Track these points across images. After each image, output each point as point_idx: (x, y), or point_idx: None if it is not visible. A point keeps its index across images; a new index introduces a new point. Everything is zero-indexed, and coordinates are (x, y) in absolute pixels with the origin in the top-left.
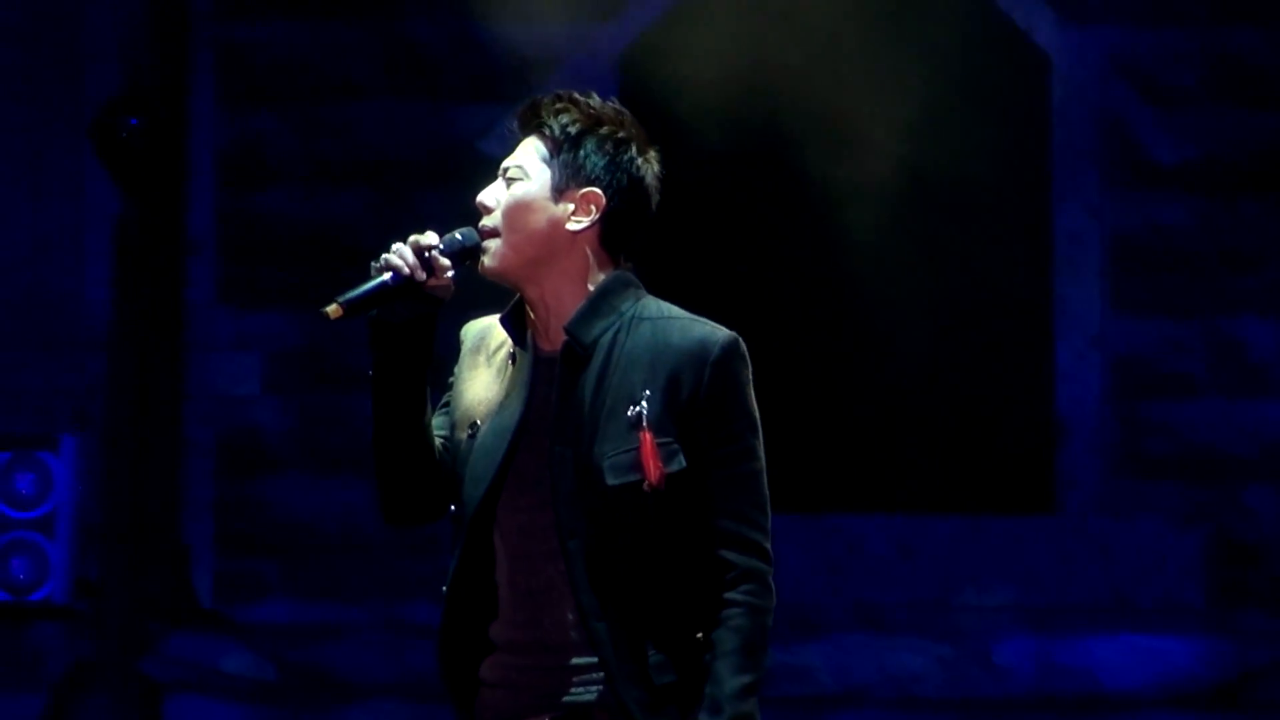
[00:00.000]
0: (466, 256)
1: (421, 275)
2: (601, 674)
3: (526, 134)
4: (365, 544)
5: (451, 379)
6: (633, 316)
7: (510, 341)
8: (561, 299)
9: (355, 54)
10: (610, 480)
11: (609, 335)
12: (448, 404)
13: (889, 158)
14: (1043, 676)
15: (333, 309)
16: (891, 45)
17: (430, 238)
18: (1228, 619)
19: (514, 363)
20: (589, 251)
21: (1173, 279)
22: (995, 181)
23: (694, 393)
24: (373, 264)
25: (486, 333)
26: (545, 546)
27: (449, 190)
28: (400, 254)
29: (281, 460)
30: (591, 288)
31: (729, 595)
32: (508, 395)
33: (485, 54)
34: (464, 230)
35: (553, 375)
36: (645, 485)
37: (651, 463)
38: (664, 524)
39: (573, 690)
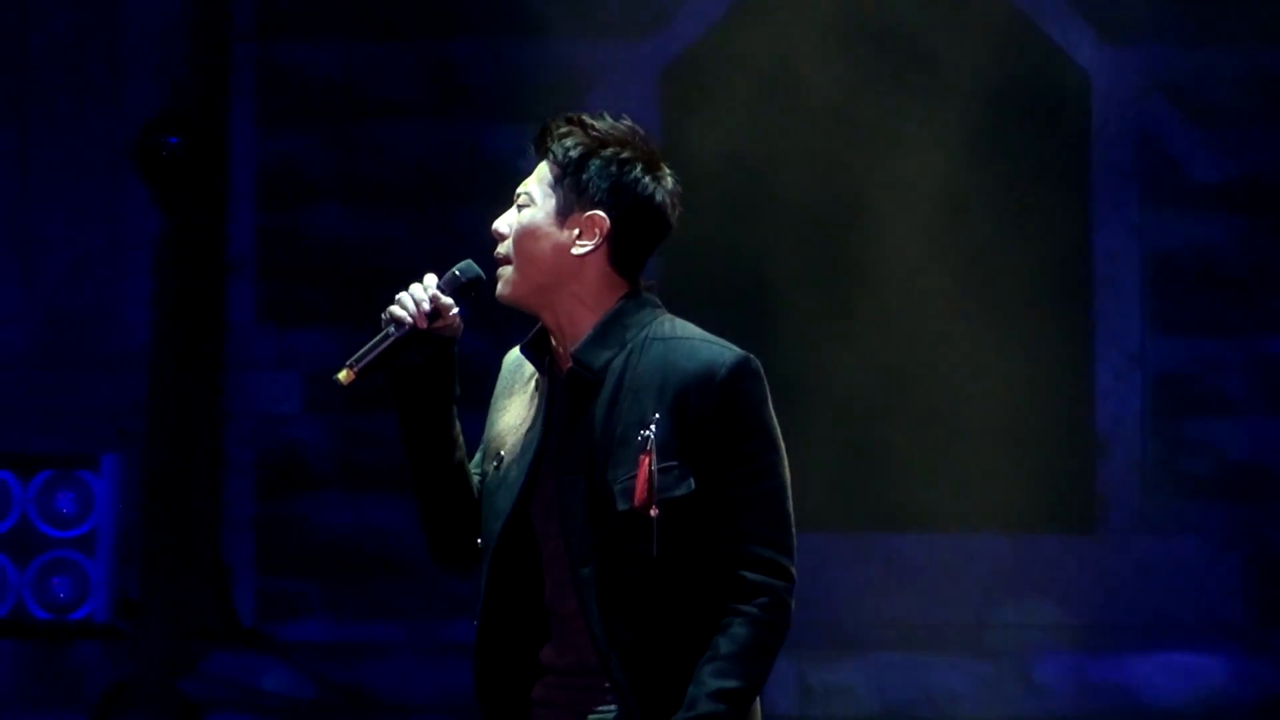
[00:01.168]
0: (469, 290)
1: (424, 323)
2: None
3: (539, 158)
4: (405, 563)
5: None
6: (646, 338)
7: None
8: (576, 323)
9: (395, 73)
10: (620, 506)
11: (621, 358)
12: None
13: (930, 175)
14: (1082, 695)
15: (344, 374)
16: (933, 63)
17: (429, 280)
18: (1268, 637)
19: (538, 390)
20: (599, 274)
21: (1212, 297)
22: (1035, 200)
23: (702, 415)
24: (382, 317)
25: (522, 361)
26: (565, 574)
27: (487, 209)
28: (402, 304)
29: (322, 479)
30: (605, 311)
31: (736, 606)
32: (531, 424)
33: (524, 73)
34: (462, 265)
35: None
36: (636, 508)
37: (641, 487)
38: (676, 549)
39: (598, 710)
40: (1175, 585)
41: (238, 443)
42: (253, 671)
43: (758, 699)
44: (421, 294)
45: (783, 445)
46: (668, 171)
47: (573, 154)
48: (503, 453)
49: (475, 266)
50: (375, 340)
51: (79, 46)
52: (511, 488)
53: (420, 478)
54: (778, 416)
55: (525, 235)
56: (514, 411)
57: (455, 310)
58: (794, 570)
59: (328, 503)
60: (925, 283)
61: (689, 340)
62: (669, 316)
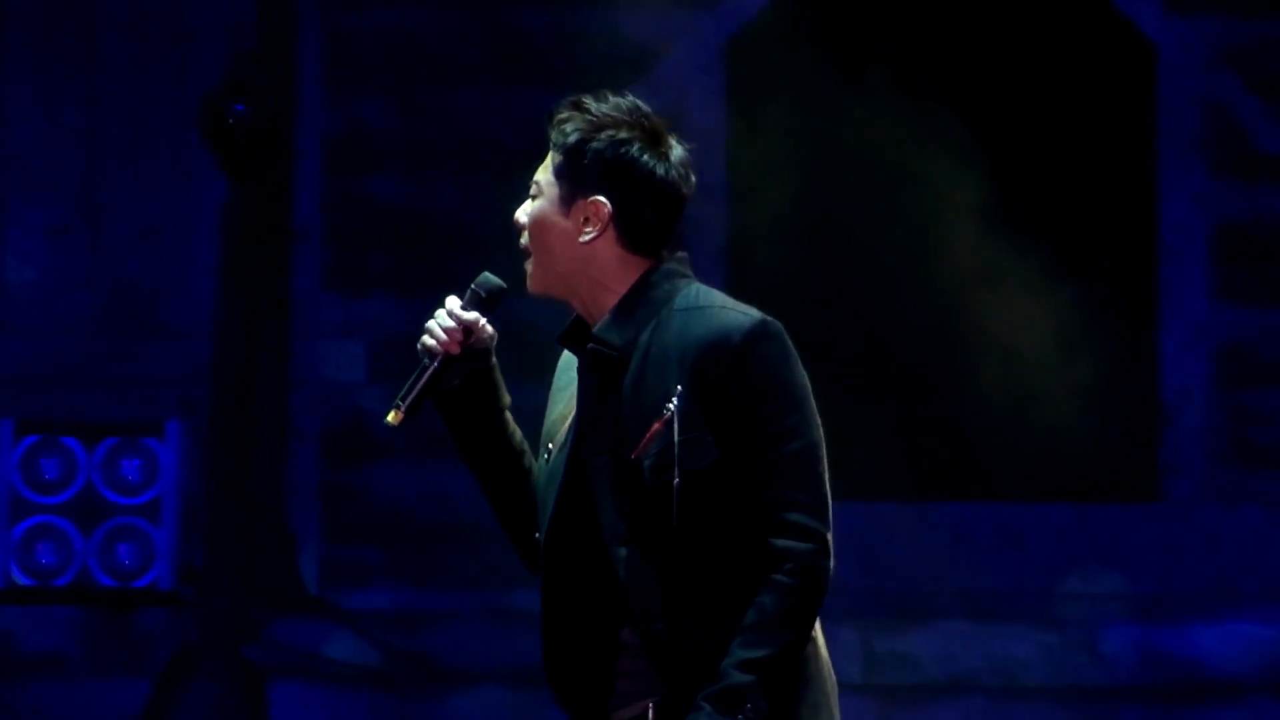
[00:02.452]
0: (493, 302)
1: (457, 348)
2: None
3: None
4: (470, 530)
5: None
6: (670, 310)
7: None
8: (602, 306)
9: (461, 40)
10: (648, 481)
11: (646, 334)
12: None
13: (993, 145)
14: (1148, 664)
15: (392, 416)
16: (998, 33)
17: (451, 303)
18: None
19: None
20: (614, 257)
21: (1278, 267)
22: (1101, 171)
23: (721, 383)
24: (418, 348)
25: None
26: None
27: None
28: (431, 333)
29: (387, 447)
30: (625, 289)
31: (766, 574)
32: (571, 413)
33: (591, 41)
34: (479, 280)
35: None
36: (632, 460)
37: (644, 444)
38: (704, 521)
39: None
40: (1240, 555)
41: (303, 410)
42: (317, 639)
43: (824, 665)
44: (447, 319)
45: (810, 405)
46: (673, 143)
47: (570, 140)
48: (551, 445)
49: (493, 278)
50: (415, 375)
51: (145, 15)
52: (554, 478)
53: (490, 491)
54: (840, 383)
55: (537, 227)
56: (565, 403)
57: (484, 323)
58: (825, 532)
59: (393, 470)
60: (991, 251)
61: (708, 309)
62: (695, 286)
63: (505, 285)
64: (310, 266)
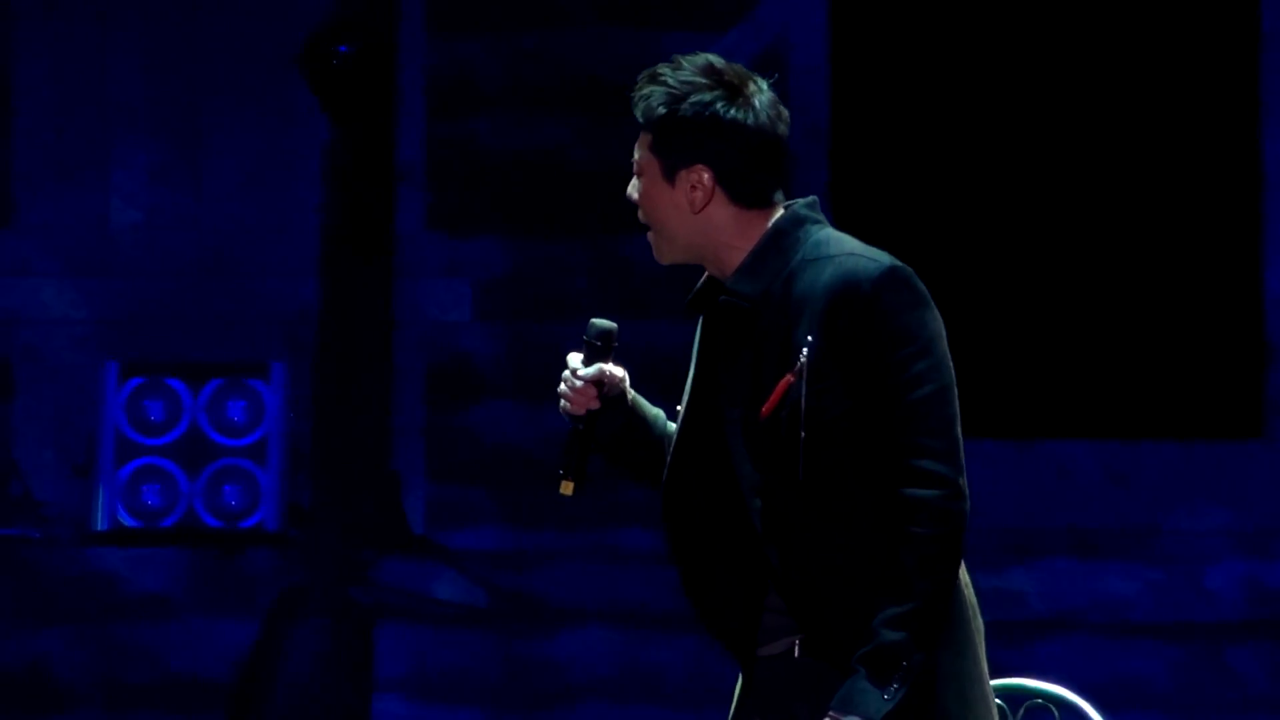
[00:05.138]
0: (609, 345)
1: (596, 403)
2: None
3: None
4: None
5: None
6: (801, 260)
7: None
8: (733, 265)
9: None
10: (784, 432)
11: (779, 285)
12: None
13: (1098, 80)
14: (1254, 600)
15: (566, 487)
16: None
17: (573, 361)
18: None
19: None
20: (731, 218)
21: None
22: (1204, 106)
23: (850, 331)
24: (562, 413)
25: None
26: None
27: None
28: (565, 398)
29: (492, 387)
30: (753, 243)
31: (901, 527)
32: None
33: None
34: (589, 331)
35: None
36: (762, 418)
37: (773, 400)
38: (835, 472)
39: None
40: None
41: (407, 351)
42: (423, 579)
43: (968, 604)
44: (574, 380)
45: (941, 350)
46: (757, 88)
47: (656, 114)
48: (679, 407)
49: (600, 323)
50: (568, 442)
51: None
52: (681, 430)
53: (655, 484)
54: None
55: (646, 204)
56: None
57: (610, 369)
58: (957, 477)
59: (497, 410)
60: (1095, 187)
61: (836, 257)
62: (825, 232)
63: (615, 325)
64: (413, 207)
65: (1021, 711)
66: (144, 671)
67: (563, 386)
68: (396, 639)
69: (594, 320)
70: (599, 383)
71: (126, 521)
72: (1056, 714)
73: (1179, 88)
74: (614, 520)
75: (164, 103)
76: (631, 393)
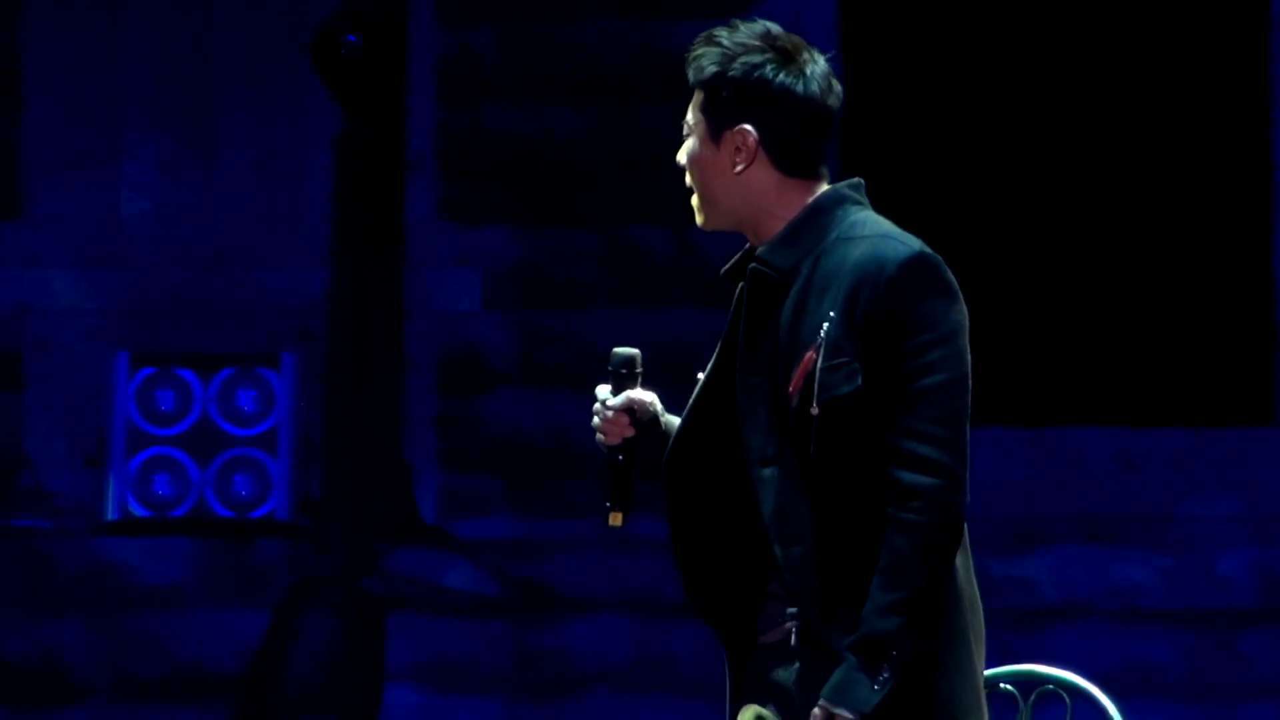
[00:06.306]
0: (634, 371)
1: (630, 430)
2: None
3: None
4: (586, 458)
5: None
6: (835, 238)
7: None
8: (770, 233)
9: None
10: (796, 405)
11: (810, 259)
12: None
13: (1105, 72)
14: (1265, 587)
15: (615, 518)
16: None
17: (601, 393)
18: None
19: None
20: (773, 184)
21: None
22: (1215, 94)
23: (870, 311)
24: (599, 445)
25: None
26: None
27: (667, 106)
28: (600, 431)
29: (502, 376)
30: (792, 215)
31: (893, 513)
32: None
33: None
34: (612, 359)
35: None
36: (790, 398)
37: (797, 379)
38: (842, 449)
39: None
40: None
41: (418, 340)
42: (435, 568)
43: (965, 595)
44: (605, 412)
45: (960, 343)
46: (811, 57)
47: (706, 74)
48: (700, 374)
49: (622, 352)
50: (611, 474)
51: None
52: (693, 399)
53: None
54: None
55: (693, 165)
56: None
57: (638, 395)
58: (958, 468)
59: (508, 399)
60: (1105, 176)
61: (869, 238)
62: (864, 214)
63: (637, 351)
64: (424, 196)
65: (1033, 698)
66: (155, 661)
67: (596, 420)
68: (408, 628)
69: (616, 349)
70: (630, 410)
71: (137, 512)
72: (1068, 700)
73: (1189, 75)
74: None
75: (174, 94)
76: (665, 415)
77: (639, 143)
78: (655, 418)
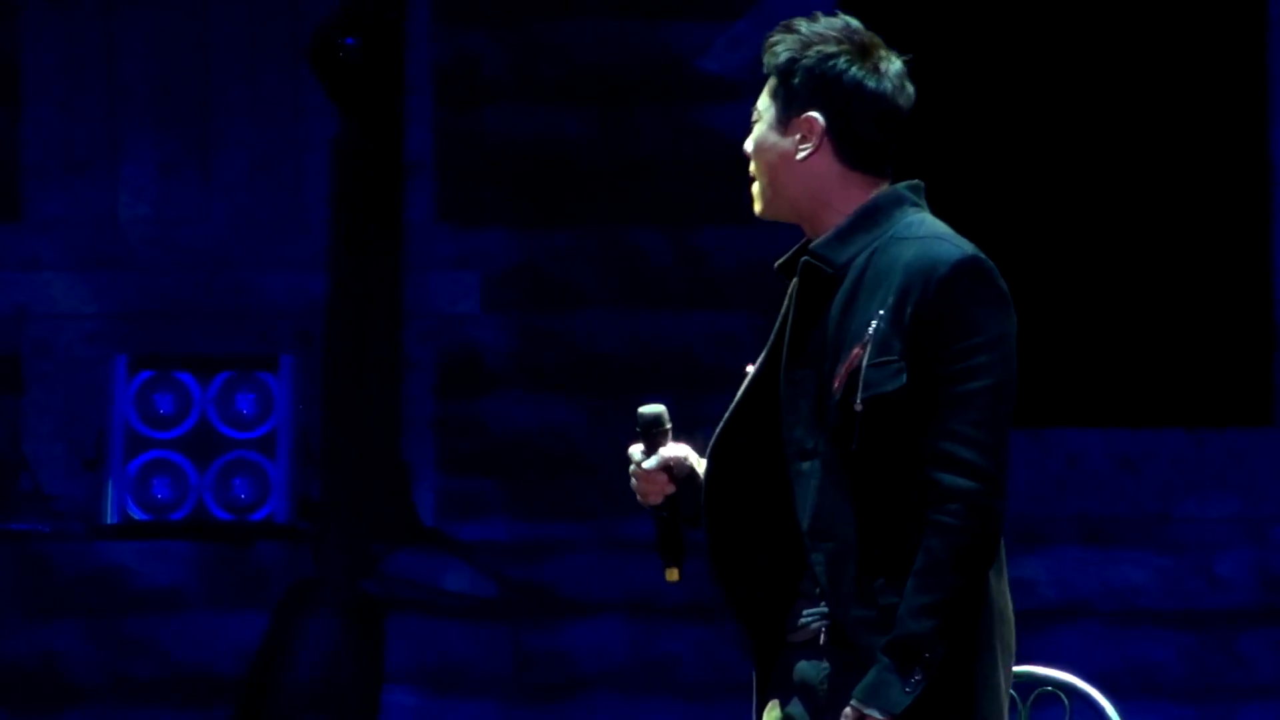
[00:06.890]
0: (663, 428)
1: (669, 487)
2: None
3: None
4: (585, 461)
5: None
6: (890, 237)
7: None
8: (827, 227)
9: None
10: (839, 400)
11: (864, 256)
12: None
13: (1104, 73)
14: (1264, 587)
15: (672, 574)
16: None
17: (634, 454)
18: None
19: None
20: (835, 175)
21: None
22: (1213, 93)
23: (918, 311)
24: (643, 506)
25: None
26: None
27: (666, 108)
28: (639, 490)
29: (501, 378)
30: (850, 210)
31: (931, 515)
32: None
33: None
34: (639, 420)
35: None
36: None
37: (842, 376)
38: (883, 447)
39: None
40: None
41: (417, 342)
42: (434, 571)
43: (996, 600)
44: (640, 471)
45: (1006, 349)
46: (885, 56)
47: (780, 60)
48: (749, 368)
49: (648, 411)
50: (659, 530)
51: None
52: (741, 392)
53: None
54: None
55: (758, 150)
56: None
57: (671, 452)
58: (998, 474)
59: (507, 401)
60: (1105, 177)
61: (924, 239)
62: (921, 216)
63: (663, 407)
64: (423, 199)
65: (1032, 699)
66: (154, 664)
67: (634, 482)
68: (407, 631)
69: (641, 409)
70: (666, 468)
71: (136, 515)
72: (1067, 702)
73: (1188, 76)
74: (625, 511)
75: (173, 96)
76: (699, 462)
77: (638, 145)
78: (692, 470)
